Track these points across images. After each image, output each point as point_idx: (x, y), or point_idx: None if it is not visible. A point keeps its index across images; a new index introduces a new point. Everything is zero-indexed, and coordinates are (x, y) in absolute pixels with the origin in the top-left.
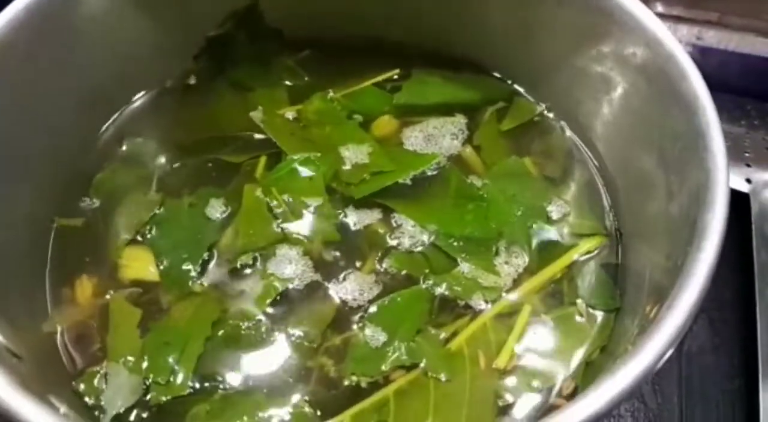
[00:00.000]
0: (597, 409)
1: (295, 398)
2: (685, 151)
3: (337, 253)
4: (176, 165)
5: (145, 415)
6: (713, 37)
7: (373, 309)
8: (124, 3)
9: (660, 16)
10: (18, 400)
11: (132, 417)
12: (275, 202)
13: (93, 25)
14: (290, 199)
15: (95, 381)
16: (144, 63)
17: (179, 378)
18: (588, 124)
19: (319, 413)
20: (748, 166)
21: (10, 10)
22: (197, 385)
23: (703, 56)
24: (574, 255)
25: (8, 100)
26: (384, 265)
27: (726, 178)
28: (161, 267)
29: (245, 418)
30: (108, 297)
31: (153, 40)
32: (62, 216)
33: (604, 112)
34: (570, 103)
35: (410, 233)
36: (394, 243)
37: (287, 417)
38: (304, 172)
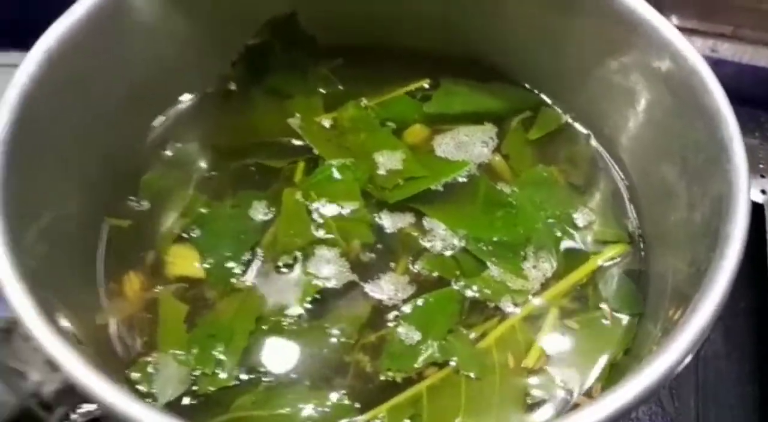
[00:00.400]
0: (623, 405)
1: (334, 391)
2: (708, 163)
3: (373, 255)
4: (219, 167)
5: (193, 403)
6: (727, 50)
7: (407, 308)
8: (170, 10)
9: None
10: (96, 379)
11: (181, 406)
12: (314, 205)
13: (141, 30)
14: (328, 203)
15: (147, 370)
16: (187, 68)
17: (225, 370)
18: (613, 134)
19: (357, 405)
20: (763, 176)
21: (70, 16)
22: (242, 377)
23: (717, 68)
24: (599, 261)
25: (63, 103)
26: (417, 267)
27: (747, 189)
28: (206, 265)
29: (288, 409)
30: (156, 292)
31: (195, 46)
32: (111, 215)
33: (629, 122)
34: (595, 114)
35: (441, 237)
36: (426, 245)
37: (327, 409)
38: (341, 176)
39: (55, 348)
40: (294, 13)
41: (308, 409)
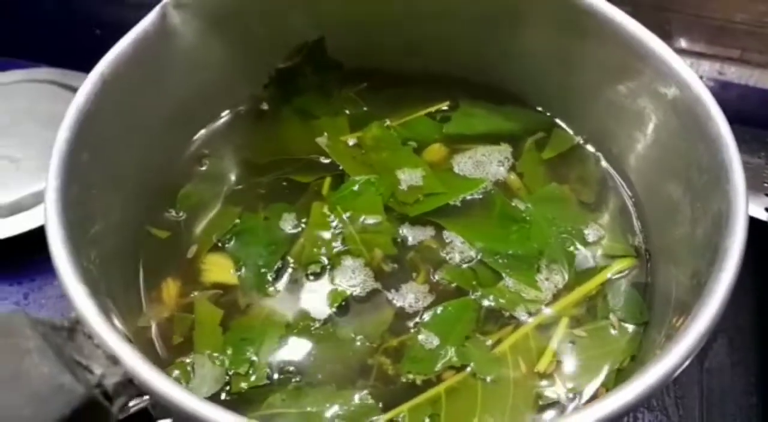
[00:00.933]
0: (626, 403)
1: (359, 391)
2: (709, 183)
3: (395, 265)
4: (251, 182)
5: (227, 400)
6: (734, 73)
7: (426, 316)
8: (207, 38)
9: (683, 51)
10: (153, 373)
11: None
12: (339, 218)
13: (182, 56)
14: (353, 216)
15: (185, 369)
16: (222, 89)
17: (256, 370)
18: (621, 154)
19: (380, 405)
20: (767, 195)
21: (120, 45)
22: (273, 377)
23: (724, 90)
24: (608, 274)
25: (114, 121)
26: (436, 277)
27: (745, 207)
28: (239, 273)
29: (315, 407)
30: (192, 297)
31: (230, 69)
32: (152, 225)
33: (637, 143)
34: (604, 135)
35: (460, 249)
36: (445, 257)
37: (352, 408)
38: (365, 191)
39: (116, 345)
40: (322, 38)
41: (334, 408)
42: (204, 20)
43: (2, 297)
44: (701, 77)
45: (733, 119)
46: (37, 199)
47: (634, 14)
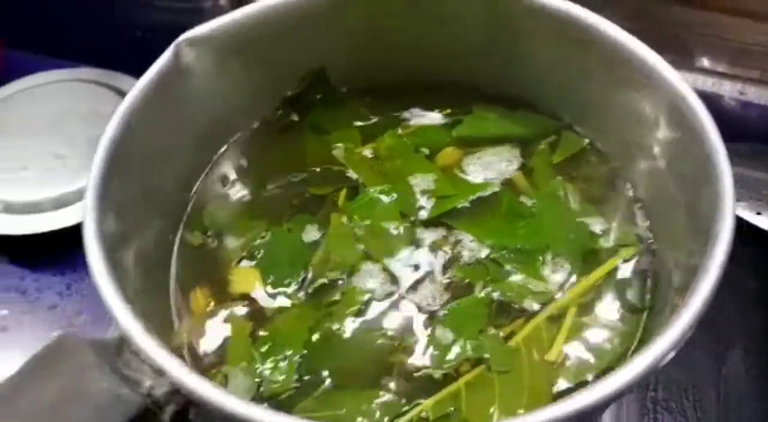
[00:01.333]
0: (632, 377)
1: (383, 390)
2: (702, 179)
3: (411, 267)
4: (272, 196)
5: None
6: (754, 93)
7: (442, 312)
8: (220, 69)
9: (705, 71)
10: (200, 382)
11: None
12: (358, 227)
13: (199, 85)
14: (370, 223)
15: (218, 381)
16: (237, 113)
17: (285, 376)
18: (625, 155)
19: (403, 401)
20: None
21: (141, 83)
22: (301, 382)
23: (744, 109)
24: (614, 264)
25: (139, 149)
26: (449, 275)
27: (732, 195)
28: (266, 283)
29: (344, 409)
30: (221, 309)
31: (244, 96)
32: (181, 243)
33: (640, 145)
34: (611, 138)
35: (470, 247)
36: (457, 256)
37: (378, 407)
38: (381, 199)
39: (163, 360)
40: (323, 68)
41: (362, 408)
42: (216, 54)
43: (46, 286)
44: (722, 97)
45: (754, 137)
46: (81, 194)
47: (653, 32)
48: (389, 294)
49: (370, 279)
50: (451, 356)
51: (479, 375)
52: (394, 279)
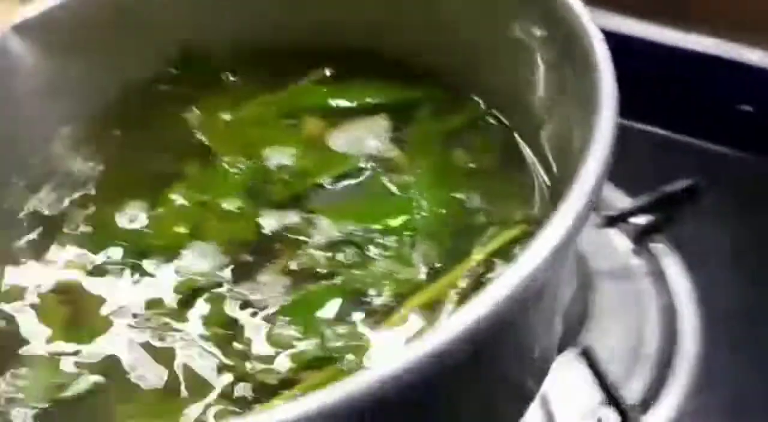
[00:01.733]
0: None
1: (213, 396)
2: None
3: (254, 252)
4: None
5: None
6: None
7: (284, 304)
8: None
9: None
10: None
11: None
12: (193, 203)
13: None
14: (212, 199)
15: None
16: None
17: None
18: (514, 107)
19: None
20: None
21: None
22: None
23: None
24: (495, 244)
25: None
26: (298, 263)
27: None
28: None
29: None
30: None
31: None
32: None
33: (531, 88)
34: (502, 95)
35: (326, 232)
36: (310, 241)
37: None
38: (228, 173)
39: None
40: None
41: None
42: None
43: None
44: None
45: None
46: None
47: None
48: (221, 283)
49: (202, 261)
50: (294, 355)
51: (329, 378)
52: (230, 264)
